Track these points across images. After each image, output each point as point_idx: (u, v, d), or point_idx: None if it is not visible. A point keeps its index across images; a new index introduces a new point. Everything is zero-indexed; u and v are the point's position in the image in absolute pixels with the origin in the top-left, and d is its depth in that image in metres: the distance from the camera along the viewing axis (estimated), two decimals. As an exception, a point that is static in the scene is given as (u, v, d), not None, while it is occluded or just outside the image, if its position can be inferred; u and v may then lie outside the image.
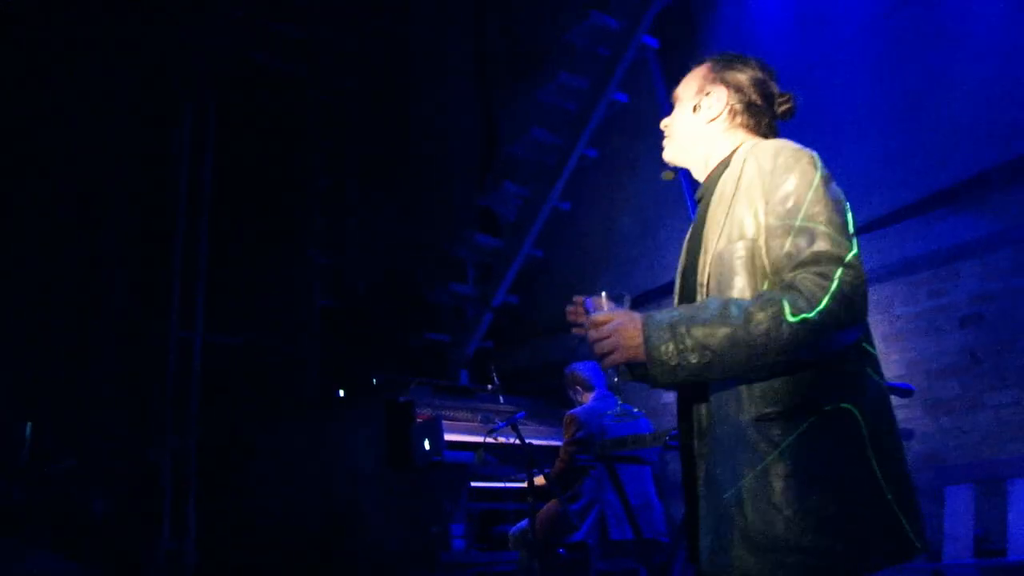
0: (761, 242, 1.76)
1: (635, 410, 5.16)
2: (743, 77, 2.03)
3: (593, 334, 1.78)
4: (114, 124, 9.68)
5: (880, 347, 4.41)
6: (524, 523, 5.20)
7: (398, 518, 4.77)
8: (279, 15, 8.21)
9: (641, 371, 1.84)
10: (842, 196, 1.79)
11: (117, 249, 9.73)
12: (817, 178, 1.76)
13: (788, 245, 1.71)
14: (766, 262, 1.75)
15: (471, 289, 6.33)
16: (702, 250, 1.87)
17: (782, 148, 1.83)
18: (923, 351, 4.70)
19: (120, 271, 9.17)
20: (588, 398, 5.13)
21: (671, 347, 1.66)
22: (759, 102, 2.01)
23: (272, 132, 8.73)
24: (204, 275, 7.74)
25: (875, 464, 1.68)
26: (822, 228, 1.70)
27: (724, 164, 1.97)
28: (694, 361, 1.65)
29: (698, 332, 1.65)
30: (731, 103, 2.01)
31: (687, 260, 1.99)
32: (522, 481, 5.22)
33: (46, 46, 8.04)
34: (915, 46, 4.54)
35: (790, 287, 1.66)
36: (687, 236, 2.04)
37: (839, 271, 1.65)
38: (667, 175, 2.21)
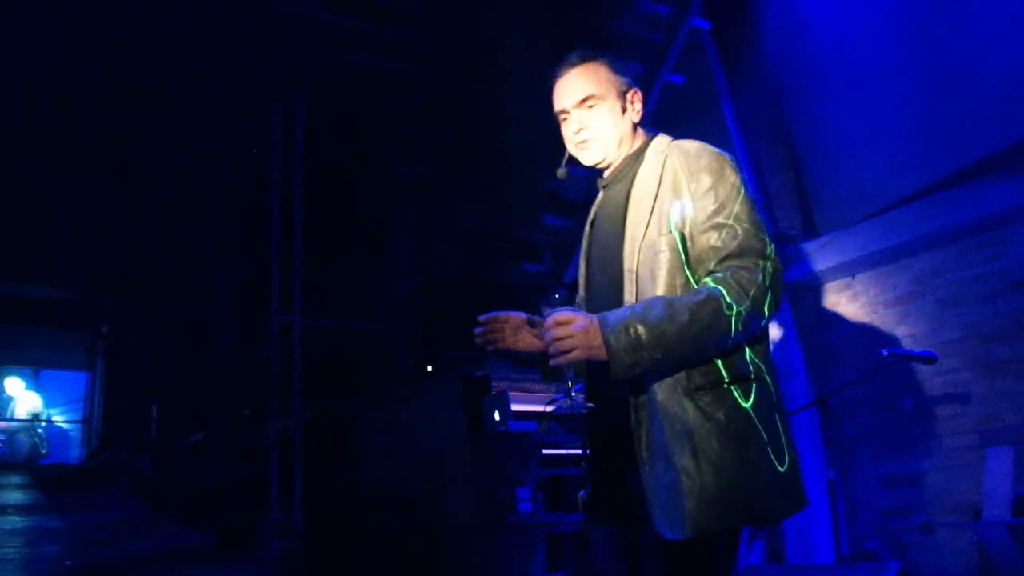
0: (687, 234, 2.02)
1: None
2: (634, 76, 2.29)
3: (557, 332, 1.98)
4: (214, 129, 10.42)
5: (935, 311, 4.55)
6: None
7: (473, 485, 5.15)
8: (358, 13, 8.67)
9: (595, 367, 2.06)
10: (756, 204, 2.06)
11: (224, 245, 10.49)
12: (738, 181, 2.03)
13: (715, 240, 1.98)
14: (692, 253, 2.02)
15: (544, 268, 6.66)
16: (627, 239, 2.10)
17: (703, 150, 2.09)
18: (978, 315, 4.75)
19: (224, 267, 9.93)
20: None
21: (629, 348, 1.90)
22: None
23: (358, 126, 9.26)
24: (299, 264, 8.30)
25: (780, 424, 1.98)
26: (745, 226, 1.97)
27: (634, 156, 2.21)
28: (648, 358, 1.90)
29: (651, 332, 1.89)
30: (639, 109, 2.26)
31: (604, 247, 2.23)
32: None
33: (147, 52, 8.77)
34: (958, 14, 4.57)
35: (723, 281, 1.93)
36: (592, 221, 2.29)
37: (763, 264, 1.94)
38: (562, 173, 2.44)
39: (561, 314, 2.02)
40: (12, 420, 23.17)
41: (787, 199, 5.64)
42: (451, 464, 5.45)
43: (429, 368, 7.96)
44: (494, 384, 6.16)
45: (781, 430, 1.97)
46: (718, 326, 1.89)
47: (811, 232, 5.67)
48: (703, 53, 5.79)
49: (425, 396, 6.59)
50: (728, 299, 1.89)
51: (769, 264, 1.94)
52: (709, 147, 2.10)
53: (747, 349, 1.99)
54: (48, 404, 27.03)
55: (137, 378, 15.96)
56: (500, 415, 5.39)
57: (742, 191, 2.02)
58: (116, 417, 18.44)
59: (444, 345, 7.94)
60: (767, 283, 1.92)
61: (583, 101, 2.20)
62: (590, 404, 2.15)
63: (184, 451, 10.91)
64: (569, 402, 2.09)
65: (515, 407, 5.56)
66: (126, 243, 17.35)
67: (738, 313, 1.89)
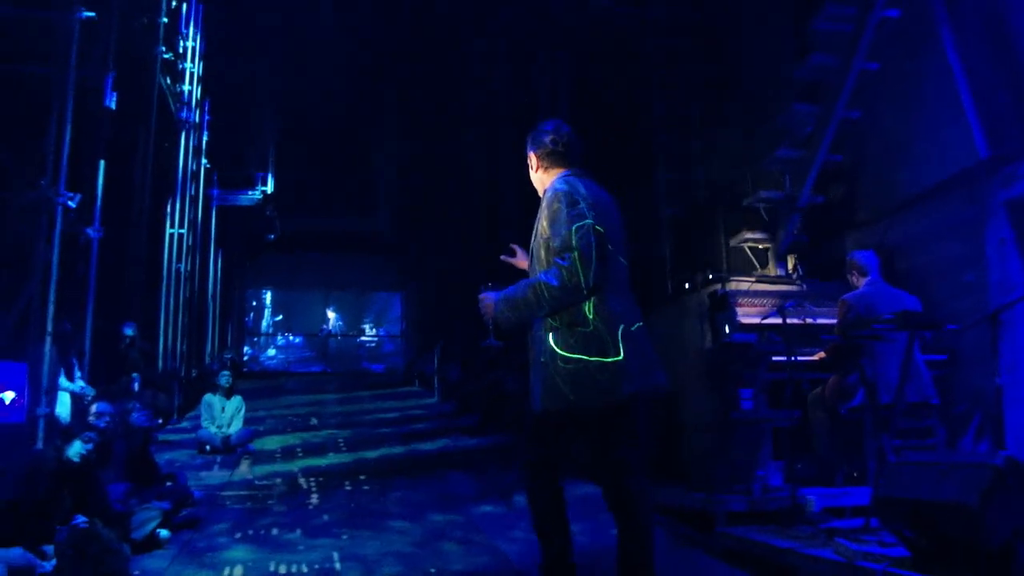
0: (547, 237, 3.50)
1: (905, 293, 5.89)
2: (546, 139, 3.75)
3: (481, 304, 3.63)
4: (493, 78, 11.87)
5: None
6: (818, 390, 6.31)
7: (707, 388, 6.14)
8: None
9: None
10: (585, 212, 3.41)
11: (510, 183, 11.99)
12: (561, 209, 3.44)
13: (553, 242, 3.44)
14: (550, 248, 3.47)
15: (780, 194, 7.34)
16: (533, 236, 3.64)
17: (550, 191, 3.58)
18: None
19: (508, 199, 11.42)
20: (862, 283, 5.97)
21: (503, 311, 3.52)
22: (555, 148, 3.72)
23: (618, 70, 10.24)
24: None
25: (600, 353, 3.40)
26: (563, 233, 3.39)
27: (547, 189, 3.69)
28: (505, 314, 3.52)
29: (507, 302, 3.52)
30: (540, 160, 3.75)
31: (532, 240, 3.70)
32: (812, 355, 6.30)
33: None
34: None
35: (549, 269, 3.41)
36: None
37: (569, 255, 3.33)
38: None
39: (483, 295, 3.65)
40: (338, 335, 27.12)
41: (1010, 119, 5.85)
42: (692, 369, 6.47)
43: (686, 285, 8.93)
44: (736, 300, 7.03)
45: (603, 357, 3.38)
46: (539, 300, 3.42)
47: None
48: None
49: (679, 311, 7.57)
50: (546, 282, 3.38)
51: (572, 255, 3.34)
52: (554, 185, 3.60)
53: (584, 305, 3.42)
54: (371, 322, 31.20)
55: (443, 297, 18.33)
56: (729, 327, 6.31)
57: (563, 214, 3.43)
58: (426, 331, 21.36)
59: (695, 266, 8.86)
60: (568, 271, 3.33)
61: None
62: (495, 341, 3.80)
63: (486, 362, 12.75)
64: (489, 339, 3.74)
65: (748, 320, 6.42)
66: (429, 180, 19.83)
67: (550, 289, 3.37)
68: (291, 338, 28.14)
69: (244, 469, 8.82)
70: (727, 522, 5.35)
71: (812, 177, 7.03)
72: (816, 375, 6.19)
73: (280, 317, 29.13)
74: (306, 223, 22.39)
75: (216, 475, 8.46)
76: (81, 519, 4.75)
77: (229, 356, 20.91)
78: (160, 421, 6.71)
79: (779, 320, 6.94)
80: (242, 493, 7.57)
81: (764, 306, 7.05)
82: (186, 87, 13.32)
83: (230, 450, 9.60)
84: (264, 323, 29.59)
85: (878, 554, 4.07)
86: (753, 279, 7.44)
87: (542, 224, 3.52)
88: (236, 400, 10.19)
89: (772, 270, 7.58)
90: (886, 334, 5.19)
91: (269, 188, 18.47)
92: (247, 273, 23.86)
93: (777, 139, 7.30)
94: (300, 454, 9.77)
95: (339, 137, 21.22)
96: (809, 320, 6.77)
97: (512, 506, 6.73)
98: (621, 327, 3.42)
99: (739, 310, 6.75)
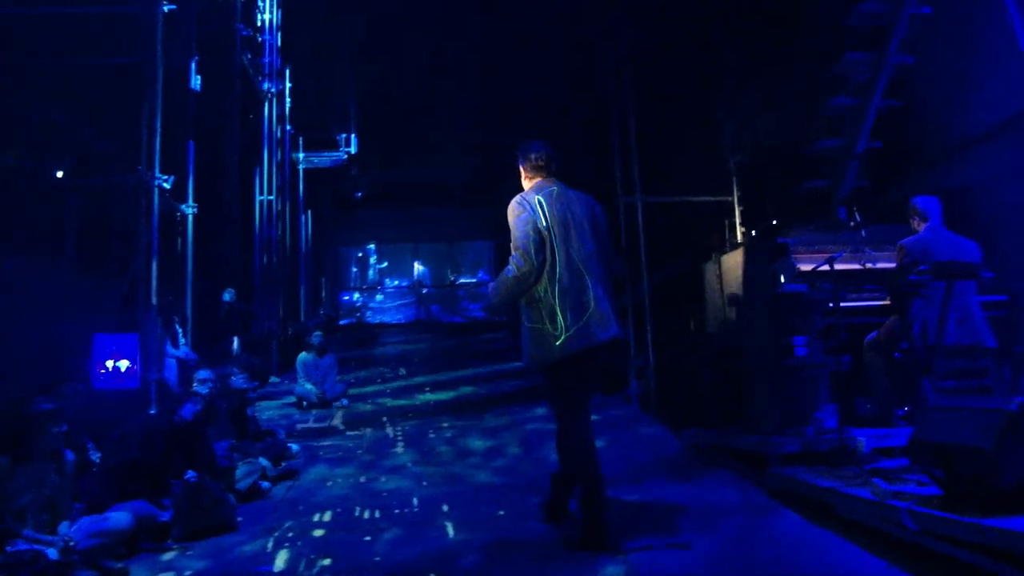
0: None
1: (965, 239, 5.98)
2: (531, 155, 4.79)
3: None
4: (555, 31, 12.03)
5: None
6: (874, 334, 6.48)
7: (764, 335, 6.39)
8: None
9: None
10: (526, 218, 4.48)
11: (581, 139, 12.17)
12: (513, 217, 4.52)
13: (512, 241, 4.50)
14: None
15: (838, 141, 7.41)
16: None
17: (512, 201, 4.59)
18: None
19: (577, 157, 11.62)
20: (922, 228, 6.07)
21: (492, 295, 4.70)
22: (538, 164, 4.77)
23: (681, 25, 10.27)
24: (636, 150, 9.72)
25: (551, 322, 4.42)
26: (513, 234, 4.50)
27: None
28: (496, 299, 4.64)
29: (495, 289, 4.62)
30: (526, 171, 4.81)
31: None
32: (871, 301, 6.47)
33: None
34: None
35: (509, 263, 4.49)
36: None
37: (516, 252, 4.46)
38: None
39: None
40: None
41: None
42: (753, 316, 6.71)
43: (753, 232, 9.08)
44: (798, 246, 7.20)
45: (551, 321, 4.40)
46: (505, 285, 4.51)
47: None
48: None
49: (745, 258, 7.76)
50: (505, 272, 4.50)
51: (517, 253, 4.46)
52: (515, 198, 4.60)
53: (539, 285, 4.45)
54: (465, 271, 31.92)
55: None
56: (784, 276, 6.51)
57: (514, 222, 4.50)
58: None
59: (761, 213, 8.99)
60: (517, 265, 4.44)
61: None
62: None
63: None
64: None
65: (807, 267, 6.60)
66: (510, 130, 20.08)
67: (507, 279, 4.49)
68: (384, 291, 29.05)
69: (337, 422, 9.50)
70: (780, 463, 5.64)
71: (868, 123, 7.08)
72: (876, 319, 6.36)
73: (373, 271, 30.08)
74: (393, 178, 23.01)
75: (313, 428, 9.16)
76: (192, 474, 5.38)
77: (324, 313, 21.91)
78: (257, 383, 7.33)
79: (839, 266, 7.12)
80: (335, 443, 8.23)
81: (824, 253, 7.21)
82: (266, 59, 13.90)
83: (325, 405, 10.31)
84: (358, 278, 30.61)
85: (909, 493, 4.33)
86: (813, 226, 7.59)
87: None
88: (329, 358, 10.88)
89: (833, 216, 7.68)
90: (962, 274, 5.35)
91: (352, 148, 19.07)
92: (339, 231, 24.74)
93: (835, 87, 7.36)
94: (388, 403, 10.43)
95: (421, 91, 21.63)
96: (869, 265, 6.91)
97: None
98: (568, 300, 4.41)
99: (798, 257, 6.94)
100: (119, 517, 4.84)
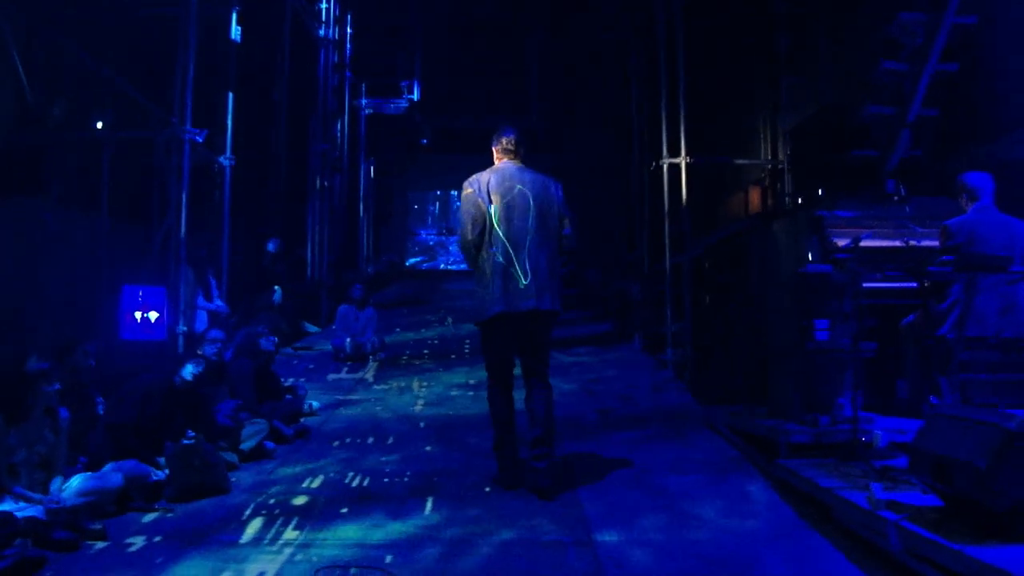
0: None
1: (1018, 221, 5.51)
2: (503, 139, 5.27)
3: None
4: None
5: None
6: (911, 317, 6.08)
7: (790, 315, 6.05)
8: None
9: None
10: (469, 196, 5.10)
11: (637, 100, 11.73)
12: (463, 194, 5.18)
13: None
14: None
15: (889, 108, 6.90)
16: None
17: (466, 180, 5.22)
18: None
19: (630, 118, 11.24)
20: (970, 208, 5.61)
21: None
22: (508, 147, 5.27)
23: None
24: (684, 113, 9.30)
25: (485, 285, 5.07)
26: (460, 212, 5.25)
27: None
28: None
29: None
30: (497, 152, 5.29)
31: None
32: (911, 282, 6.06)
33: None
34: None
35: None
36: None
37: (458, 225, 5.62)
38: None
39: None
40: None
41: None
42: (778, 294, 6.38)
43: (800, 200, 8.63)
44: (843, 219, 6.80)
45: (484, 287, 5.04)
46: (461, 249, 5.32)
47: None
48: None
49: (784, 229, 7.38)
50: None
51: (460, 229, 5.26)
52: (467, 179, 5.21)
53: (479, 255, 5.06)
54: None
55: (594, 196, 18.24)
56: (813, 254, 6.15)
57: (463, 196, 5.17)
58: (580, 230, 21.49)
59: (806, 182, 8.52)
60: (461, 235, 5.16)
61: None
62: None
63: (619, 270, 12.94)
64: None
65: (844, 243, 6.22)
66: (578, 77, 19.64)
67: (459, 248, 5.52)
68: (450, 237, 29.11)
69: (369, 375, 9.54)
70: (788, 453, 5.38)
71: (922, 89, 6.56)
72: (917, 302, 5.98)
73: (437, 217, 30.15)
74: (459, 124, 22.80)
75: (344, 381, 9.22)
76: (191, 434, 5.43)
77: (387, 259, 22.07)
78: (276, 340, 7.36)
79: (877, 243, 6.70)
80: (360, 397, 8.27)
81: (864, 228, 6.80)
82: (323, 4, 13.76)
83: (362, 357, 10.34)
84: (422, 224, 30.72)
85: (905, 504, 4.04)
86: (857, 198, 7.14)
87: None
88: (369, 310, 10.90)
89: (881, 188, 7.20)
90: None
91: (415, 95, 18.90)
92: (405, 177, 24.71)
93: (889, 50, 6.83)
94: (427, 355, 10.44)
95: (487, 36, 21.31)
96: (912, 243, 6.48)
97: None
98: (498, 270, 4.98)
99: (837, 232, 6.56)
100: (109, 477, 4.93)
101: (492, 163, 5.31)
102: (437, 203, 29.74)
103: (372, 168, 19.65)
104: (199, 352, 6.23)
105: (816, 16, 8.57)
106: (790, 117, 8.96)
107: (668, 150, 9.43)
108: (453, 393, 8.41)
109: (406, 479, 5.51)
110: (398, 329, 13.20)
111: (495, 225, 5.01)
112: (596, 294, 14.96)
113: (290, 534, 4.43)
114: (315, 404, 7.69)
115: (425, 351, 10.91)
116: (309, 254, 13.31)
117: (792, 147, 8.76)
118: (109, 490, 4.85)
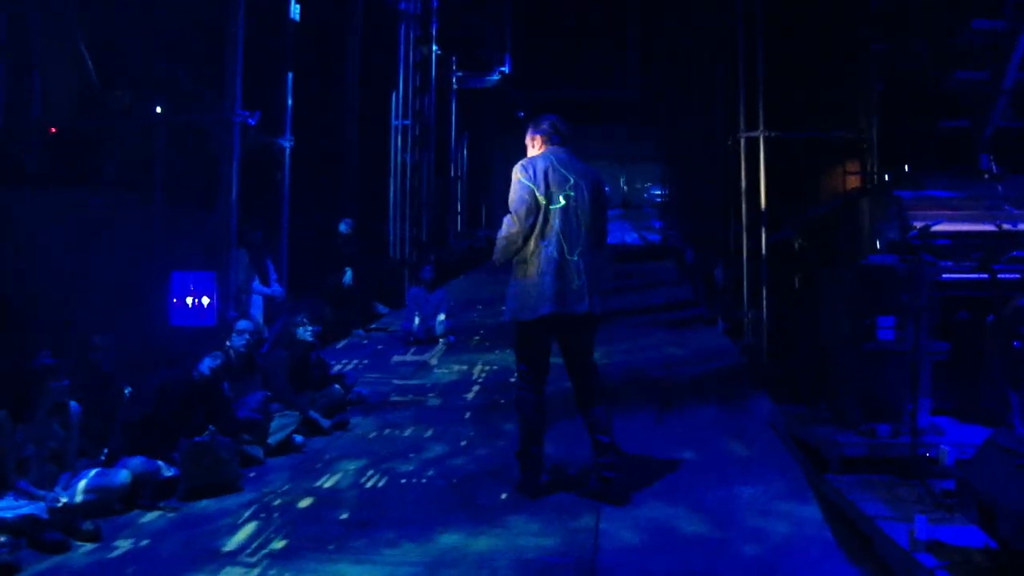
0: None
1: None
2: (544, 125, 4.86)
3: None
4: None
5: None
6: (1001, 315, 5.34)
7: (849, 311, 5.41)
8: None
9: None
10: (524, 184, 4.65)
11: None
12: (515, 178, 4.69)
13: (509, 203, 4.70)
14: None
15: (981, 73, 6.08)
16: None
17: (518, 163, 4.77)
18: None
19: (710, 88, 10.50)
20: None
21: (495, 252, 4.84)
22: (551, 131, 4.84)
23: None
24: (763, 78, 8.59)
25: (529, 279, 4.65)
26: (510, 196, 4.69)
27: None
28: (498, 256, 4.83)
29: (496, 246, 4.84)
30: (541, 139, 4.86)
31: None
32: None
33: None
34: None
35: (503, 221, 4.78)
36: None
37: (506, 217, 4.72)
38: None
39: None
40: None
41: None
42: (838, 287, 5.73)
43: (886, 177, 7.84)
44: (914, 204, 6.09)
45: (531, 283, 4.61)
46: (499, 242, 4.78)
47: None
48: None
49: (850, 213, 6.70)
50: (500, 231, 4.77)
51: (510, 217, 4.68)
52: (521, 161, 4.80)
53: (526, 249, 4.64)
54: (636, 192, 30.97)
55: (694, 171, 17.47)
56: (880, 241, 5.48)
57: (514, 184, 4.69)
58: (679, 204, 20.84)
59: (901, 156, 7.69)
60: (506, 227, 4.70)
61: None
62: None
63: (703, 253, 12.42)
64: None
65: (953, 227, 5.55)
66: (677, 48, 18.84)
67: (499, 238, 4.78)
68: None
69: (433, 359, 9.34)
70: (841, 467, 4.82)
71: (1020, 51, 5.74)
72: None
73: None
74: (555, 96, 22.36)
75: (406, 364, 9.06)
76: (211, 430, 5.30)
77: (484, 235, 21.90)
78: (319, 329, 7.17)
79: (964, 227, 5.99)
80: (418, 383, 8.10)
81: (953, 208, 6.09)
82: (404, -22, 13.50)
83: (432, 341, 10.15)
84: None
85: (951, 545, 3.46)
86: (947, 175, 6.38)
87: None
88: (440, 292, 10.68)
89: (975, 163, 6.40)
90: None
91: (507, 68, 18.53)
92: (503, 152, 24.43)
93: (982, 6, 6.02)
94: (497, 337, 10.16)
95: (581, 4, 20.72)
96: (1007, 227, 5.74)
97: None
98: (550, 267, 4.58)
99: (919, 215, 5.87)
100: (115, 474, 4.83)
101: (569, 139, 4.88)
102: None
103: (465, 143, 19.44)
104: (227, 343, 6.10)
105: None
106: (880, 86, 8.09)
107: (746, 123, 8.75)
108: (513, 379, 8.08)
109: (424, 481, 5.24)
110: (479, 307, 13.00)
111: (550, 217, 4.62)
112: (692, 274, 14.52)
113: (277, 544, 4.22)
114: (364, 392, 7.52)
115: (496, 330, 10.65)
116: (390, 232, 13.20)
117: (880, 118, 7.92)
118: (115, 487, 4.76)
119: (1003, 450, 3.23)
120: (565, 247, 4.60)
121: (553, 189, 4.63)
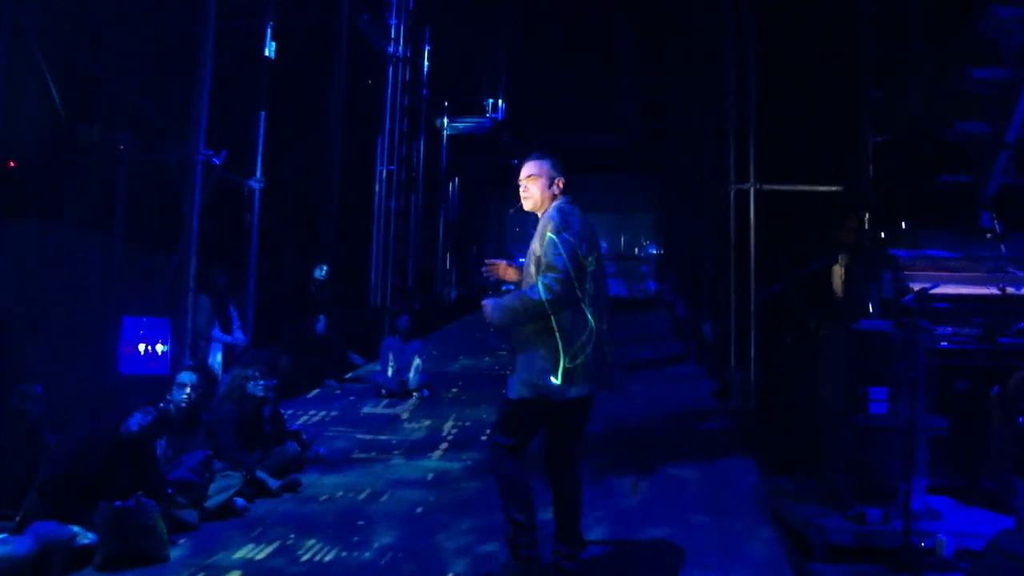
0: (539, 255, 3.97)
1: None
2: (561, 167, 4.17)
3: (483, 311, 4.05)
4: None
5: None
6: (1003, 388, 4.91)
7: (840, 379, 4.98)
8: None
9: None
10: (570, 240, 3.92)
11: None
12: (556, 231, 3.93)
13: (543, 259, 3.93)
14: (541, 263, 3.94)
15: (982, 125, 5.73)
16: (530, 250, 4.07)
17: (549, 214, 4.07)
18: None
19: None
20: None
21: (497, 317, 3.96)
22: (562, 184, 4.14)
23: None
24: (754, 129, 8.26)
25: (562, 353, 3.92)
26: (550, 255, 3.91)
27: (545, 211, 4.12)
28: (503, 321, 3.95)
29: (503, 310, 3.94)
30: (558, 184, 4.13)
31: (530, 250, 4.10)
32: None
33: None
34: None
35: (535, 284, 3.88)
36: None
37: (550, 275, 3.85)
38: (518, 210, 4.34)
39: (484, 302, 4.06)
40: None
41: None
42: (828, 352, 5.31)
43: (882, 235, 7.45)
44: (920, 260, 5.72)
45: (560, 357, 3.90)
46: (526, 308, 3.89)
47: None
48: None
49: (844, 271, 6.30)
50: (533, 296, 3.86)
51: (554, 275, 3.86)
52: (550, 213, 4.06)
53: (552, 317, 3.89)
54: (632, 243, 30.69)
55: (686, 222, 17.14)
56: (872, 304, 5.06)
57: (550, 241, 3.93)
58: (674, 256, 20.45)
59: (897, 212, 7.31)
60: (550, 289, 3.84)
61: (528, 177, 4.18)
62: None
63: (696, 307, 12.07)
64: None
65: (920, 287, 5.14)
66: (667, 99, 18.67)
67: (537, 303, 3.86)
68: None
69: (405, 412, 8.90)
70: (826, 555, 4.33)
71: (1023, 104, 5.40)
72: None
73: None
74: (551, 141, 22.18)
75: (376, 417, 8.62)
76: (139, 495, 4.83)
77: (480, 283, 21.53)
78: (275, 382, 6.72)
79: (963, 290, 5.58)
80: (384, 438, 7.69)
81: (949, 271, 5.70)
82: (392, 21, 13.30)
83: (406, 394, 9.69)
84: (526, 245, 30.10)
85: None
86: (945, 233, 6.00)
87: (536, 243, 4.02)
88: (415, 344, 10.23)
89: (975, 221, 6.02)
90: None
91: (499, 115, 18.31)
92: (495, 198, 24.16)
93: (982, 54, 5.68)
94: (474, 389, 9.71)
95: (575, 53, 20.62)
96: (1010, 290, 5.35)
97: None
98: (591, 344, 3.96)
99: (915, 275, 5.49)
100: (18, 542, 4.37)
101: (567, 186, 4.16)
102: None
103: (457, 189, 19.16)
104: (168, 396, 5.66)
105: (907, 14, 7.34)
106: (876, 137, 7.73)
107: (736, 175, 8.40)
108: (483, 437, 7.62)
109: (368, 556, 4.75)
110: (461, 358, 12.58)
111: (588, 283, 3.98)
112: (683, 329, 14.21)
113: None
114: (322, 451, 7.04)
115: (475, 383, 10.21)
116: (372, 279, 12.82)
117: (876, 171, 7.55)
118: (17, 558, 4.29)
119: (1008, 556, 2.78)
120: (597, 315, 4.00)
121: (588, 248, 4.00)
